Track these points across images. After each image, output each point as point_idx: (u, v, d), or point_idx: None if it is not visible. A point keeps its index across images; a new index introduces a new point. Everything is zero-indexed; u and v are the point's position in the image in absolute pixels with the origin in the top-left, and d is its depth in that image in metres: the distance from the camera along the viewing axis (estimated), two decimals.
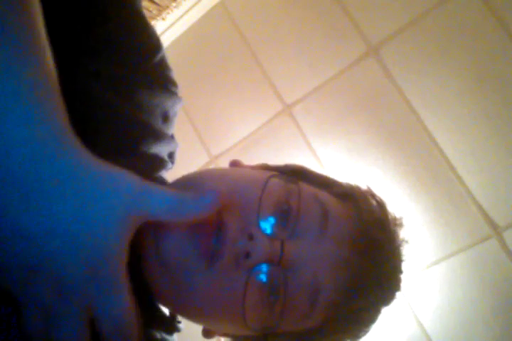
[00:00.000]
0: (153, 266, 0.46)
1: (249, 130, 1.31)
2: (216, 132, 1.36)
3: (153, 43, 0.53)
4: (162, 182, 0.57)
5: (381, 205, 0.56)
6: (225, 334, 0.54)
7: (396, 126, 1.16)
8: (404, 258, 0.57)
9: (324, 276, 0.48)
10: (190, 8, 1.36)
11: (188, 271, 0.44)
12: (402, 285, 0.58)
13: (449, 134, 1.11)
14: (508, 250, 1.06)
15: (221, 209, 0.43)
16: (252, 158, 1.28)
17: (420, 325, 1.13)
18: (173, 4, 1.34)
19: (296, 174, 0.55)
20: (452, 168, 1.11)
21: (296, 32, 1.26)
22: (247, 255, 0.45)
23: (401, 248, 0.56)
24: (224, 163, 1.33)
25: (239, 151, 1.32)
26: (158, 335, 0.51)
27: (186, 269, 0.44)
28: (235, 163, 0.59)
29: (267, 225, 0.47)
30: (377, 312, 0.57)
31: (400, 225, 0.56)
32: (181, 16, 1.37)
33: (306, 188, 0.51)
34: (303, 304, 0.48)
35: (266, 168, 0.56)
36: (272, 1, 1.29)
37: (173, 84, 0.56)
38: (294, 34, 1.26)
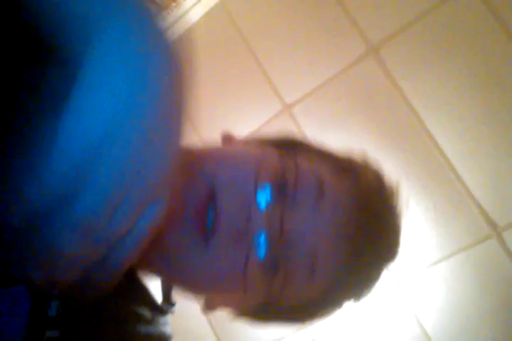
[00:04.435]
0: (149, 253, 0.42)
1: (249, 129, 1.31)
2: (216, 131, 1.36)
3: None
4: None
5: (378, 177, 0.56)
6: (227, 307, 0.55)
7: (396, 126, 1.16)
8: (401, 229, 0.56)
9: (322, 246, 0.48)
10: (190, 8, 1.36)
11: (186, 251, 0.45)
12: (399, 253, 0.57)
13: (449, 134, 1.11)
14: (508, 250, 1.06)
15: (214, 184, 0.45)
16: None
17: (420, 324, 1.13)
18: (173, 4, 1.34)
19: (293, 146, 0.54)
20: (452, 168, 1.11)
21: (296, 32, 1.26)
22: (246, 226, 0.45)
23: (399, 218, 0.56)
24: None
25: None
26: (147, 313, 0.52)
27: (183, 250, 0.44)
28: (227, 139, 0.59)
29: (265, 195, 0.47)
30: (378, 273, 0.56)
31: (397, 195, 0.57)
32: (181, 16, 1.37)
33: (302, 162, 0.51)
34: (303, 274, 0.48)
35: (261, 142, 0.56)
36: (272, 1, 1.29)
37: None
38: (294, 34, 1.26)
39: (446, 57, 1.12)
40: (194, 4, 1.35)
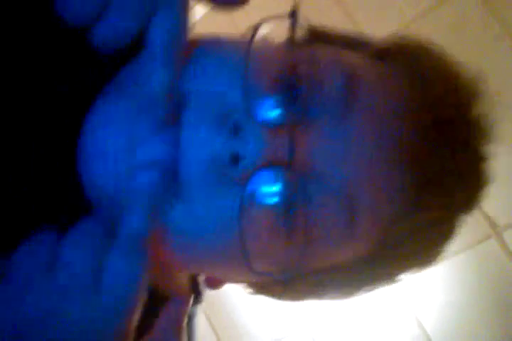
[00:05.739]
0: None
1: None
2: None
3: None
4: None
5: (446, 60, 0.37)
6: (234, 281, 0.40)
7: None
8: (489, 137, 0.36)
9: (363, 180, 0.30)
10: (191, 8, 1.35)
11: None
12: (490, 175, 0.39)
13: None
14: (508, 250, 1.06)
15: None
16: None
17: (420, 324, 1.13)
18: None
19: (309, 35, 0.35)
20: None
21: None
22: (235, 159, 0.29)
23: (484, 119, 0.35)
24: None
25: None
26: None
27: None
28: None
29: (263, 108, 0.30)
30: (453, 224, 0.38)
31: (480, 87, 0.37)
32: None
33: (322, 50, 0.34)
34: (335, 226, 0.31)
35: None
36: (272, 1, 1.29)
37: None
38: None
39: None
40: (194, 4, 1.35)
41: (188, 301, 0.35)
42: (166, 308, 0.34)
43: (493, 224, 1.07)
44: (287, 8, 0.33)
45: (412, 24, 1.14)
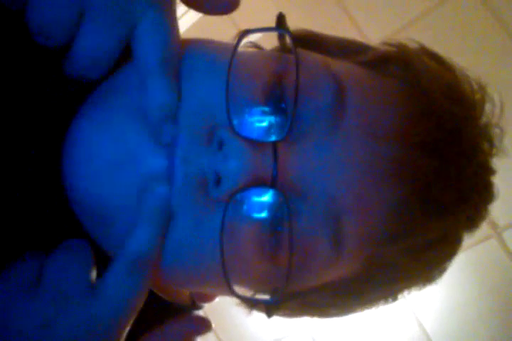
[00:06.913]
0: None
1: None
2: None
3: None
4: None
5: (447, 68, 0.35)
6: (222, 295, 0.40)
7: None
8: (495, 146, 0.34)
9: (351, 198, 0.28)
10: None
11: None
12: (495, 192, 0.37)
13: None
14: (508, 250, 1.06)
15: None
16: None
17: (420, 324, 1.13)
18: None
19: (299, 41, 0.32)
20: None
21: None
22: (217, 180, 0.27)
23: (489, 129, 0.33)
24: None
25: None
26: None
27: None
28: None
29: (246, 123, 0.28)
30: (455, 243, 0.36)
31: (483, 94, 0.35)
32: (181, 16, 1.37)
33: (311, 57, 0.31)
34: (321, 247, 0.29)
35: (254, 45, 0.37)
36: (272, 1, 1.29)
37: None
38: None
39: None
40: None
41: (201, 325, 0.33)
42: (177, 320, 0.32)
43: (493, 224, 1.07)
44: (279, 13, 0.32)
45: (412, 24, 1.14)
